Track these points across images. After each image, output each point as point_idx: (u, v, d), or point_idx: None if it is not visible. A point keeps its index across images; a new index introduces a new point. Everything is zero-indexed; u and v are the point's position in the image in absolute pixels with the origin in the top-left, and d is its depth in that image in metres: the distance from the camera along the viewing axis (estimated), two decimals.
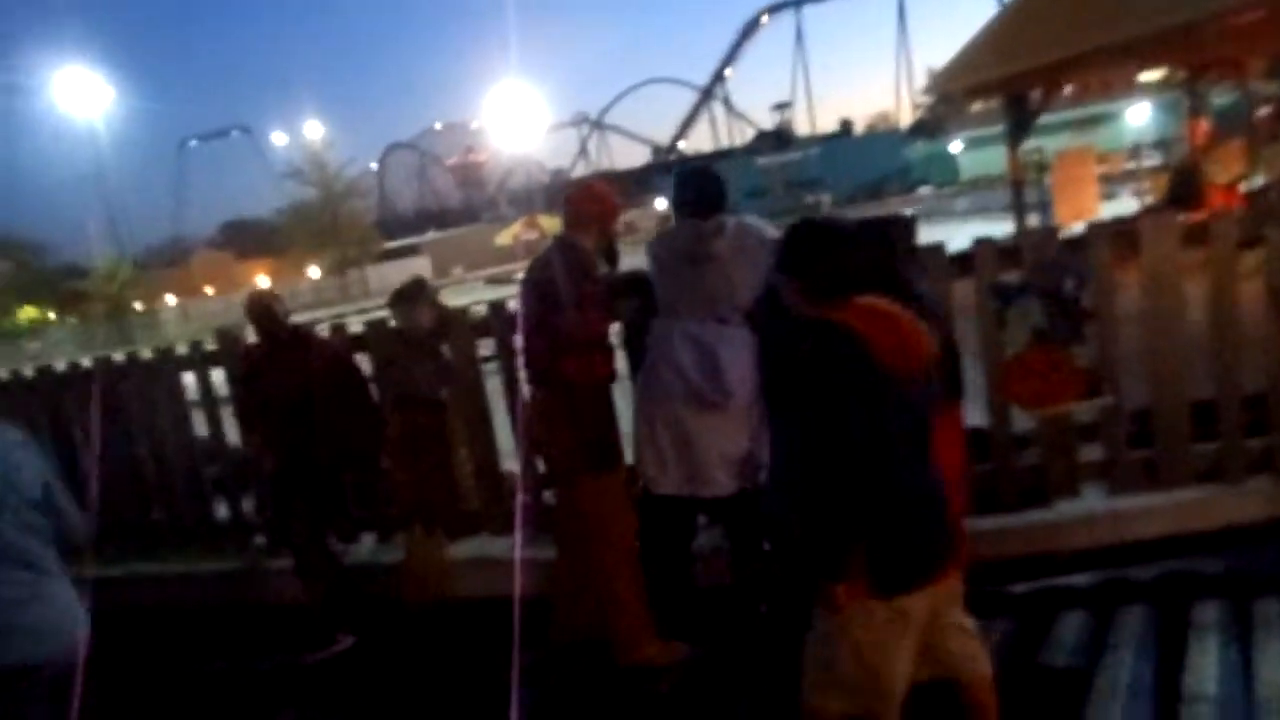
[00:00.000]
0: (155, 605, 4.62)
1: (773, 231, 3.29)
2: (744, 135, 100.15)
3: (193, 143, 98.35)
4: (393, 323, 4.16)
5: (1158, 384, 3.62)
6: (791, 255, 2.22)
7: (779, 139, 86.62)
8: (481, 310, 4.35)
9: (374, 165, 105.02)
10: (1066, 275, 3.55)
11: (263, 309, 4.08)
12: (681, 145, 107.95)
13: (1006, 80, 11.38)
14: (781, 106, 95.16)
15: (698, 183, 3.41)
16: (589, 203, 3.34)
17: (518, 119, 69.99)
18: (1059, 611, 3.26)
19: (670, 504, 3.30)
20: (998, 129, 20.59)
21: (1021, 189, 12.60)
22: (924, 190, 56.55)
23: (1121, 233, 3.55)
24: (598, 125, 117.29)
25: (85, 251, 52.36)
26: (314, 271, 52.57)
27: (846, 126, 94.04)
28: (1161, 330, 3.57)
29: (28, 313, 48.33)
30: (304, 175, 49.80)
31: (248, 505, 4.80)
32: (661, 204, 73.33)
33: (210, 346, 4.78)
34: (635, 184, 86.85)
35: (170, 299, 53.59)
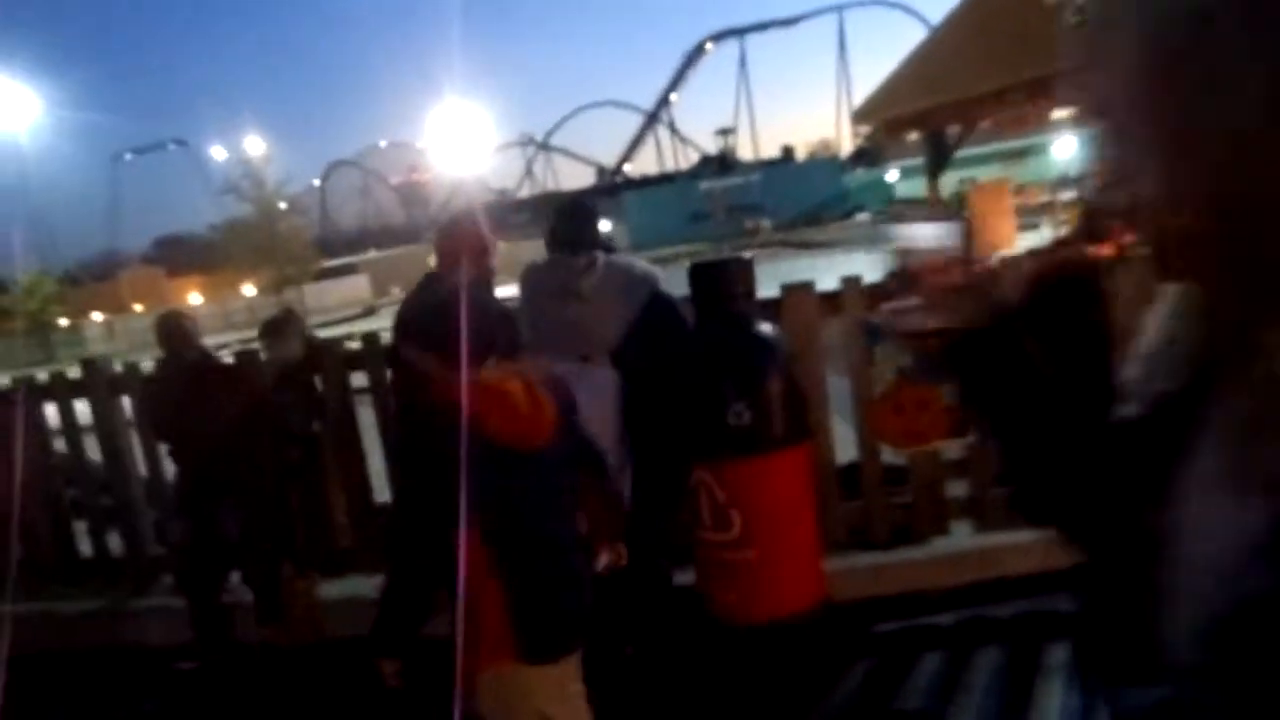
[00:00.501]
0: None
1: (645, 269, 3.26)
2: (689, 159, 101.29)
3: (127, 156, 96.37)
4: (263, 354, 4.04)
5: None
6: (430, 331, 2.15)
7: (722, 164, 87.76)
8: (356, 344, 4.24)
9: (316, 182, 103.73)
10: None
11: (173, 327, 3.88)
12: (627, 168, 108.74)
13: (923, 115, 11.63)
14: (725, 132, 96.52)
15: (571, 216, 3.36)
16: (453, 241, 3.27)
17: (463, 139, 69.75)
18: (920, 652, 3.26)
19: None
20: (963, 153, 21.12)
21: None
22: (862, 216, 57.62)
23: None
24: (543, 146, 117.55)
25: (9, 266, 50.65)
26: (249, 290, 51.47)
27: (788, 153, 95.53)
28: None
29: None
30: (241, 191, 48.85)
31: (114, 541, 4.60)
32: (605, 226, 73.81)
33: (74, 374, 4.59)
34: None
35: (97, 316, 52.00)
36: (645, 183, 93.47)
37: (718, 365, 2.99)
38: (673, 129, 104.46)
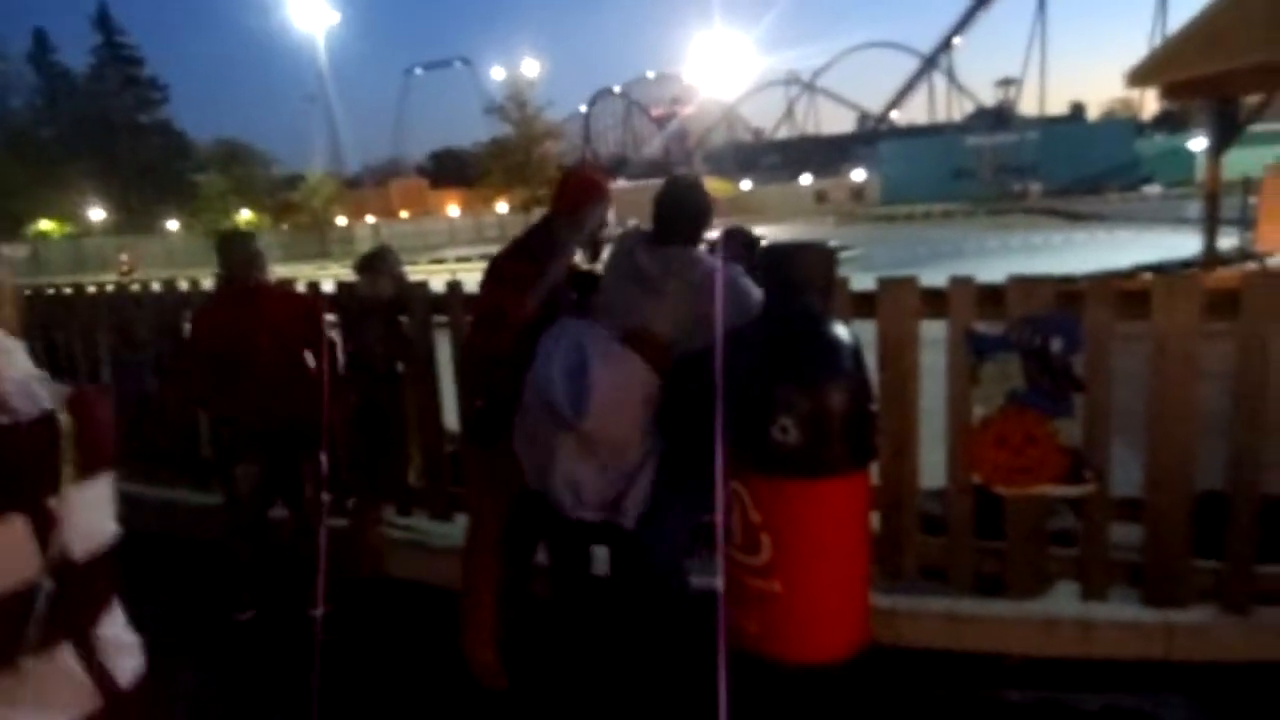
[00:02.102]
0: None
1: (706, 273, 2.86)
2: (963, 110, 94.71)
3: (418, 70, 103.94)
4: (359, 289, 4.06)
5: (1155, 479, 2.97)
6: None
7: (997, 118, 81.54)
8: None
9: (583, 108, 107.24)
10: (1056, 334, 2.95)
11: (235, 247, 3.79)
12: (893, 115, 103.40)
13: (1211, 80, 9.93)
14: (1007, 83, 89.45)
15: (671, 209, 3.00)
16: (572, 192, 3.07)
17: (726, 74, 69.06)
18: None
19: (532, 500, 3.02)
20: (1261, 127, 18.03)
21: (1216, 202, 11.07)
22: (1151, 189, 51.47)
23: (1130, 292, 2.89)
24: (808, 87, 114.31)
25: (307, 164, 56.71)
26: (502, 207, 54.51)
27: (1077, 110, 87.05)
28: (1167, 414, 2.91)
29: (245, 217, 52.98)
30: (506, 112, 51.40)
31: None
32: (858, 175, 70.93)
33: None
34: (835, 152, 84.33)
35: (370, 218, 57.25)
36: (909, 133, 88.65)
37: (771, 370, 2.58)
38: (950, 76, 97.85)
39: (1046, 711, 2.81)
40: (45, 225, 49.80)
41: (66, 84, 54.53)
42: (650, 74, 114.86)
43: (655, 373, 2.77)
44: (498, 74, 61.11)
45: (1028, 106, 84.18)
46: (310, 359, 3.74)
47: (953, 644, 3.14)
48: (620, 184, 67.16)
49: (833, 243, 4.20)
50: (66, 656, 1.32)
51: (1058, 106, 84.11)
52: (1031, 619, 3.08)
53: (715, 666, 1.95)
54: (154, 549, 4.33)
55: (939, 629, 3.16)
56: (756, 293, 2.79)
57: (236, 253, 3.73)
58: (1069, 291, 2.93)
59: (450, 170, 75.19)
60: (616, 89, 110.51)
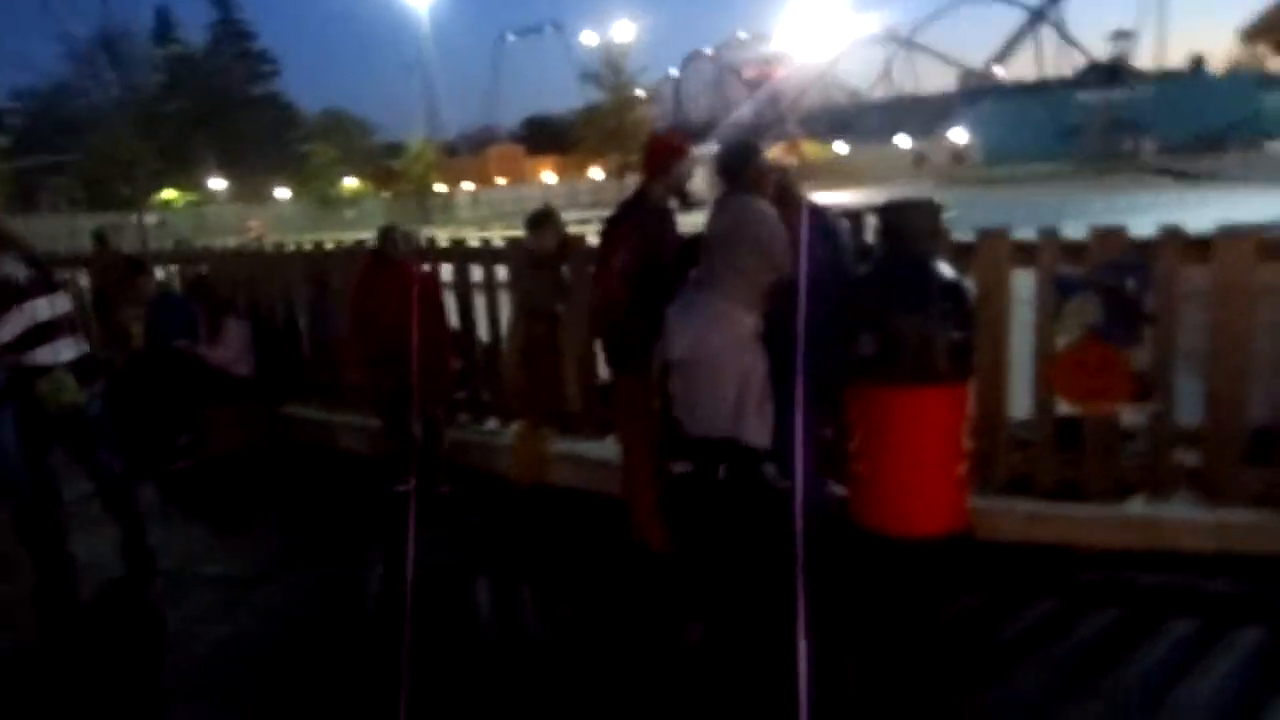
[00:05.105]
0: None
1: (756, 212, 3.50)
2: (1074, 65, 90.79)
3: (510, 37, 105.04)
4: (527, 243, 4.83)
5: (1214, 400, 3.50)
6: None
7: (1110, 73, 77.95)
8: None
9: (674, 72, 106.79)
10: (1130, 275, 3.50)
11: (385, 234, 4.93)
12: (998, 71, 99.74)
13: None
14: (1122, 35, 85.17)
15: (727, 156, 3.66)
16: (655, 153, 3.82)
17: (821, 33, 67.87)
18: (1043, 597, 3.37)
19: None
20: None
21: None
22: (1275, 146, 48.88)
23: (1193, 243, 3.41)
24: (908, 44, 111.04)
25: (406, 133, 58.61)
26: (596, 173, 55.36)
27: (1197, 64, 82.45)
28: (1223, 347, 3.43)
29: (350, 184, 55.29)
30: (599, 78, 52.05)
31: None
32: (960, 136, 69.02)
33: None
34: (934, 112, 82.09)
35: (467, 185, 58.87)
36: (1014, 91, 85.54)
37: (858, 296, 3.24)
38: (1059, 30, 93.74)
39: (1112, 587, 3.41)
40: (169, 194, 52.90)
41: (186, 60, 57.46)
42: (742, 35, 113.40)
43: (749, 309, 3.46)
44: (589, 38, 61.68)
45: (1143, 60, 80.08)
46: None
47: (1036, 538, 3.74)
48: (711, 147, 66.95)
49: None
50: None
51: (1176, 60, 79.73)
52: (1106, 518, 3.66)
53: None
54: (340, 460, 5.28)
55: (1020, 525, 3.77)
56: (779, 228, 3.43)
57: (383, 236, 4.93)
58: (1142, 240, 3.47)
59: (542, 136, 76.47)
60: (708, 51, 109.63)
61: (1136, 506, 3.67)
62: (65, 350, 3.96)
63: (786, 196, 3.72)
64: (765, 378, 3.51)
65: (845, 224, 3.94)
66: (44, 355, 3.89)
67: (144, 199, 35.78)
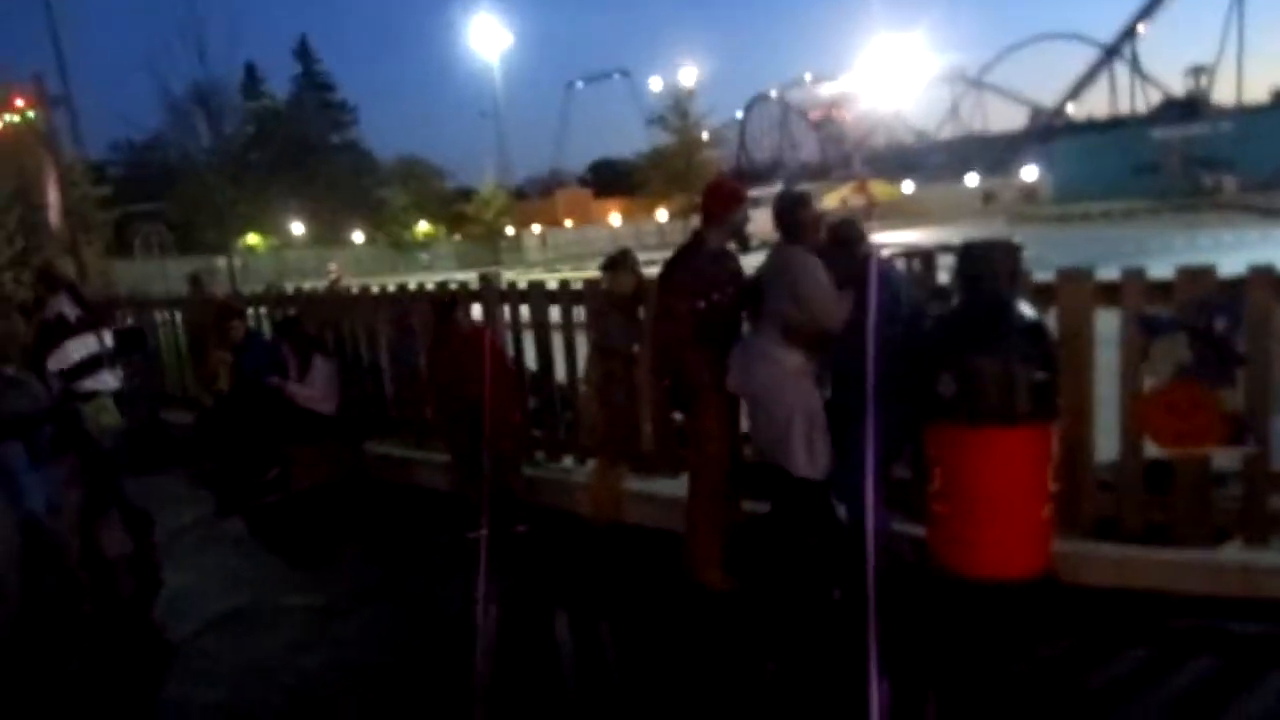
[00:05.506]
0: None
1: (797, 264, 3.65)
2: (1149, 102, 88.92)
3: (578, 84, 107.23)
4: (603, 284, 4.94)
5: None
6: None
7: (1187, 108, 76.11)
8: None
9: (739, 114, 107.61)
10: (1219, 315, 3.43)
11: (445, 307, 5.30)
12: (1070, 109, 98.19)
13: None
14: (1198, 70, 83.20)
15: (778, 207, 3.84)
16: (712, 200, 3.93)
17: (888, 74, 67.88)
18: (1134, 645, 3.27)
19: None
20: None
21: None
22: None
23: None
24: (975, 83, 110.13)
25: (477, 177, 60.14)
26: (662, 215, 55.88)
27: (1279, 97, 79.95)
28: None
29: (423, 228, 56.79)
30: (666, 122, 52.76)
31: None
32: (1030, 174, 67.97)
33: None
34: (1003, 151, 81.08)
35: (535, 228, 60.01)
36: (1087, 128, 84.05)
37: (938, 337, 3.25)
38: (1134, 66, 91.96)
39: (1205, 636, 3.30)
40: (252, 239, 54.97)
41: (272, 111, 60.00)
42: (808, 77, 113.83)
43: (790, 348, 3.66)
44: (655, 84, 62.67)
45: (1222, 95, 77.99)
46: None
47: (1124, 583, 3.64)
48: (776, 188, 67.06)
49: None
50: None
51: (1257, 94, 77.40)
52: (1199, 564, 3.55)
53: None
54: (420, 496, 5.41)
55: (1107, 570, 3.67)
56: (822, 277, 3.58)
57: (446, 310, 5.32)
58: (1231, 279, 3.40)
59: (608, 180, 77.57)
60: (773, 93, 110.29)
61: (1231, 552, 3.55)
62: (108, 380, 4.63)
63: (842, 240, 3.89)
64: (813, 412, 3.67)
65: (902, 268, 4.00)
66: (91, 383, 4.55)
67: (231, 244, 37.25)
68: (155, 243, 39.54)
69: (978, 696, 3.05)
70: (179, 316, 8.51)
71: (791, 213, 3.79)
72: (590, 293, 5.14)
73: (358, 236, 56.84)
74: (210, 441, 6.71)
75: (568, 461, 5.60)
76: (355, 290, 7.27)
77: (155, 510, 4.54)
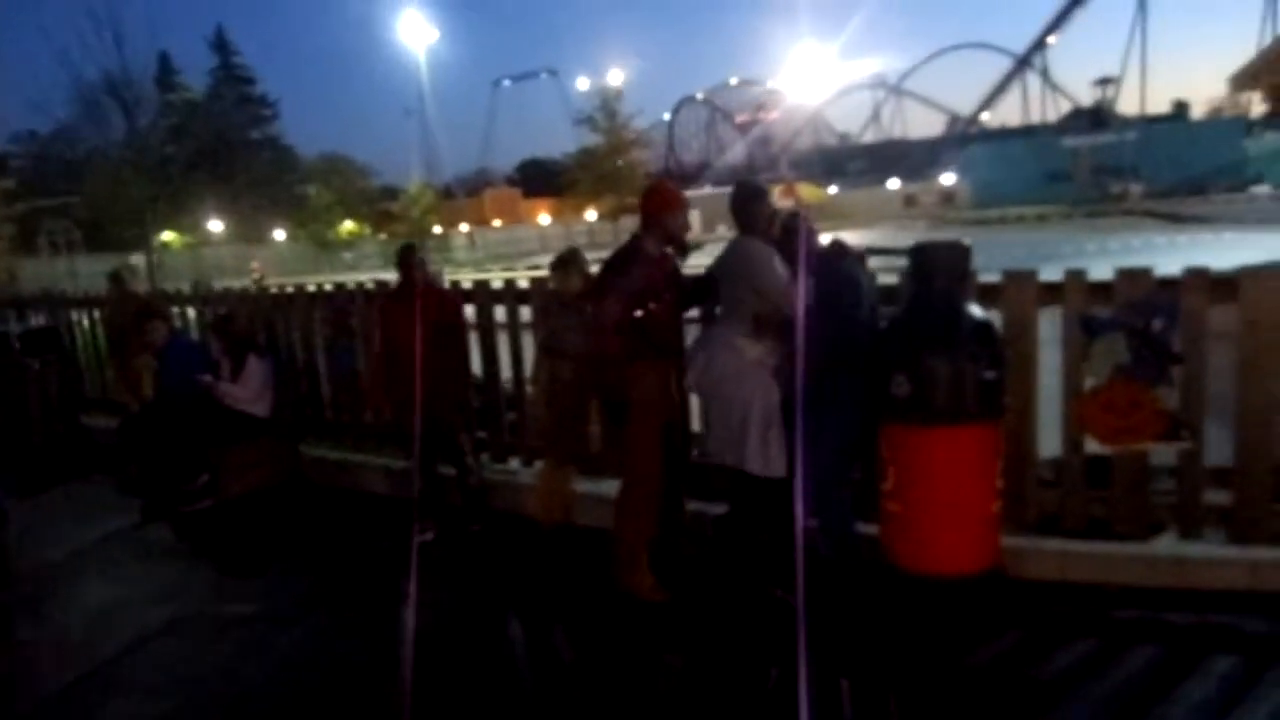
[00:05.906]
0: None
1: (754, 253, 3.71)
2: (1059, 111, 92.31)
3: (505, 82, 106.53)
4: (551, 284, 4.89)
5: (1243, 439, 3.55)
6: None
7: (1095, 118, 79.14)
8: None
9: (666, 116, 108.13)
10: (1157, 315, 3.56)
11: (407, 249, 5.10)
12: (984, 117, 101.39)
13: None
14: (1105, 81, 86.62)
15: (733, 199, 3.89)
16: (650, 205, 3.95)
17: (812, 80, 69.04)
18: (1077, 637, 3.37)
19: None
20: None
21: None
22: (1260, 189, 49.57)
23: (1220, 281, 3.49)
24: (895, 90, 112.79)
25: (402, 176, 59.18)
26: (591, 215, 55.84)
27: (1180, 109, 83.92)
28: (1252, 385, 3.49)
29: (347, 227, 55.59)
30: (594, 122, 52.71)
31: None
32: (948, 179, 70.02)
33: None
34: (923, 156, 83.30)
35: (464, 227, 59.35)
36: (1000, 135, 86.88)
37: (891, 337, 3.30)
38: (1044, 76, 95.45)
39: (1146, 626, 3.41)
40: (167, 236, 53.01)
41: (188, 104, 57.94)
42: (734, 80, 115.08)
43: (753, 339, 3.66)
44: (583, 84, 62.56)
45: (1127, 106, 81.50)
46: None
47: (1067, 577, 3.76)
48: (704, 190, 67.68)
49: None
50: None
51: (1159, 105, 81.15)
52: (1136, 557, 3.68)
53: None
54: (359, 501, 5.27)
55: (1051, 565, 3.78)
56: (777, 266, 3.62)
57: (407, 254, 5.07)
58: (1168, 279, 3.54)
59: (537, 180, 77.22)
60: (700, 96, 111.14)
61: (1166, 545, 3.69)
62: None
63: (792, 235, 3.88)
64: (771, 408, 3.67)
65: (865, 263, 4.04)
66: None
67: (149, 241, 35.81)
68: (63, 240, 37.82)
69: (933, 691, 3.11)
70: (98, 315, 8.13)
71: (748, 206, 3.80)
72: (537, 292, 5.08)
73: (279, 235, 55.33)
74: (135, 447, 6.43)
75: (514, 463, 5.53)
76: (276, 289, 7.02)
77: (79, 519, 4.31)
